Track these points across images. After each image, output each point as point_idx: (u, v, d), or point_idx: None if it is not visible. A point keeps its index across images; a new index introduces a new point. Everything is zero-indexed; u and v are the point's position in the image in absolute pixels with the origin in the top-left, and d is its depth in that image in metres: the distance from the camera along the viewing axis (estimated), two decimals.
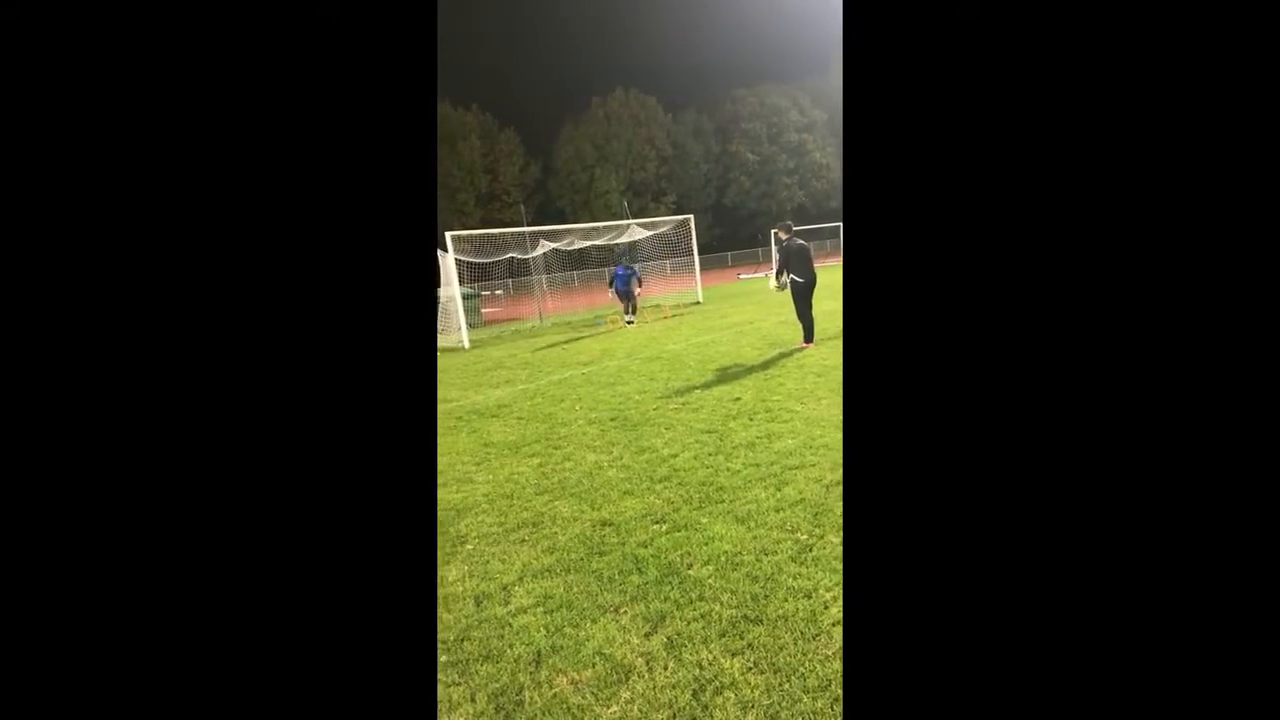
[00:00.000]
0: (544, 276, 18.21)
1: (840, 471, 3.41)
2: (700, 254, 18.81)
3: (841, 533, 2.72)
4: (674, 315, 13.94)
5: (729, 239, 50.02)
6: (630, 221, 18.19)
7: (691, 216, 18.83)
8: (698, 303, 16.79)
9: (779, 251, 7.99)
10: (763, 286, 20.26)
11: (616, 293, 13.73)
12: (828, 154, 53.87)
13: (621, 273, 13.63)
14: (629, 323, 13.15)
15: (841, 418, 4.40)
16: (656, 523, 3.09)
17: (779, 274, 7.92)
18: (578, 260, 19.22)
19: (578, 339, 11.56)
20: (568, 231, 17.96)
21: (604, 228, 18.60)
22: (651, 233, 18.68)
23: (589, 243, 18.50)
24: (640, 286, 13.89)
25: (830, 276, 22.31)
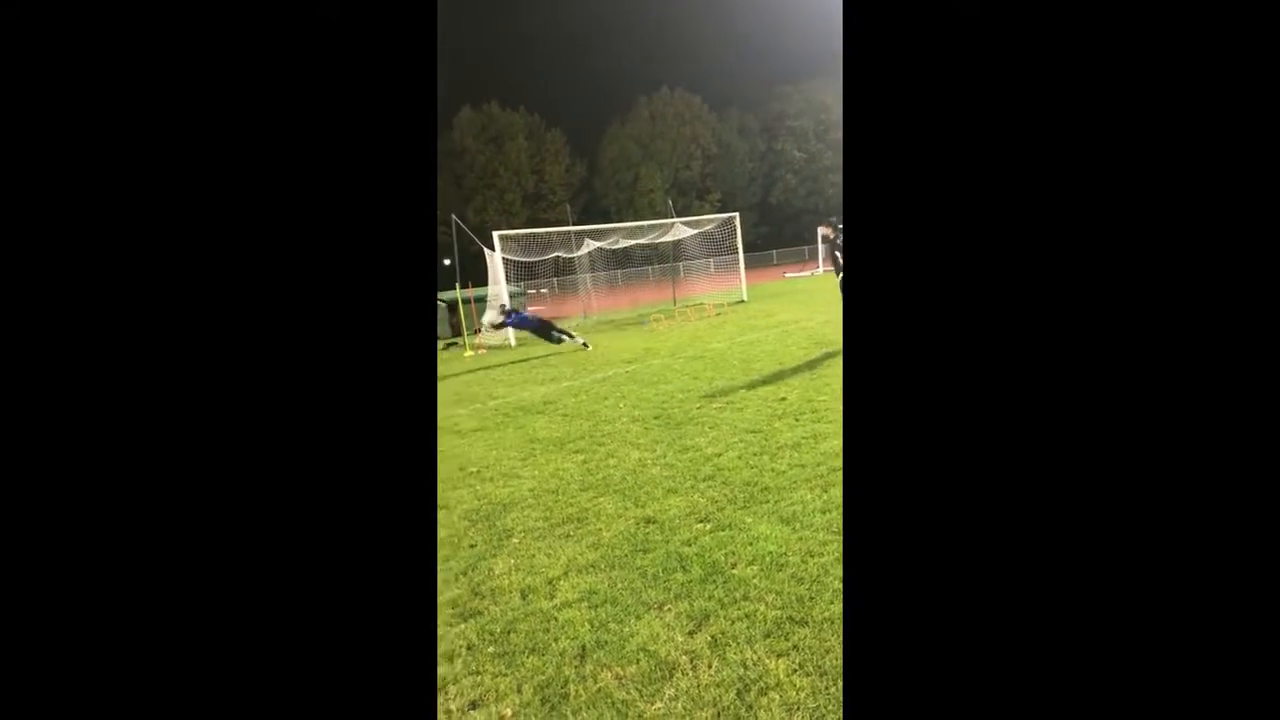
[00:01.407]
0: (589, 275, 18.31)
1: None
2: (745, 252, 18.66)
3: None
4: (718, 314, 13.87)
5: (774, 237, 49.51)
6: (675, 220, 18.17)
7: (736, 215, 18.70)
8: (742, 301, 16.67)
9: (826, 248, 7.86)
10: (809, 286, 19.97)
11: (534, 331, 10.81)
12: None
13: (514, 320, 11.06)
14: (475, 349, 10.55)
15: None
16: (700, 521, 3.09)
17: (841, 273, 7.81)
18: (622, 259, 19.25)
19: (620, 338, 11.60)
20: (613, 230, 18.05)
21: (649, 226, 18.63)
22: (696, 231, 18.62)
23: (633, 241, 18.55)
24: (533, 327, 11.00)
25: None
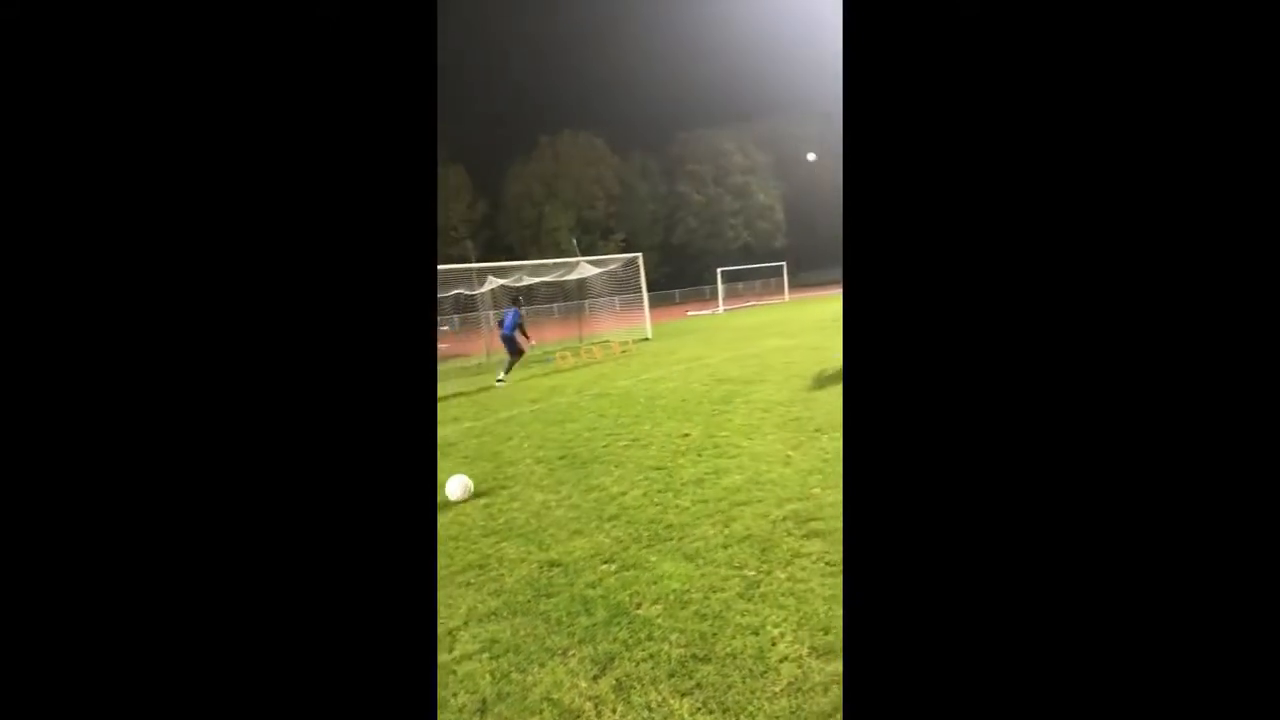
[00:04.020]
0: (491, 312, 18.04)
1: (787, 507, 3.46)
2: (649, 291, 19.02)
3: (789, 567, 2.76)
4: (623, 352, 13.99)
5: (677, 277, 50.76)
6: (580, 259, 18.29)
7: (640, 255, 19.07)
8: (646, 339, 16.92)
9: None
10: (710, 324, 20.55)
11: (503, 339, 10.47)
12: (772, 196, 55.66)
13: (512, 319, 10.56)
14: (500, 382, 10.27)
15: (790, 451, 4.49)
16: (605, 562, 3.07)
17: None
18: (526, 296, 19.13)
19: (526, 376, 11.47)
20: (516, 268, 17.93)
21: (553, 264, 18.66)
22: (601, 270, 18.81)
23: (538, 279, 18.50)
24: (527, 337, 10.80)
25: (776, 314, 22.74)
